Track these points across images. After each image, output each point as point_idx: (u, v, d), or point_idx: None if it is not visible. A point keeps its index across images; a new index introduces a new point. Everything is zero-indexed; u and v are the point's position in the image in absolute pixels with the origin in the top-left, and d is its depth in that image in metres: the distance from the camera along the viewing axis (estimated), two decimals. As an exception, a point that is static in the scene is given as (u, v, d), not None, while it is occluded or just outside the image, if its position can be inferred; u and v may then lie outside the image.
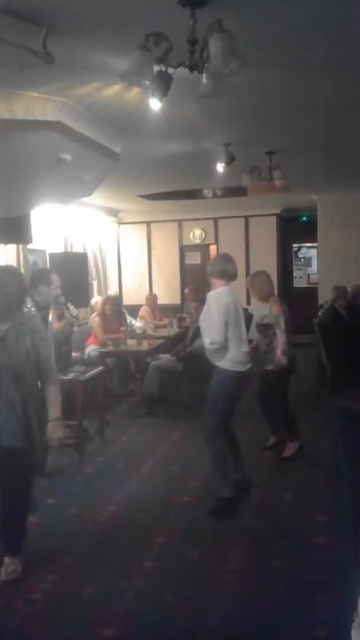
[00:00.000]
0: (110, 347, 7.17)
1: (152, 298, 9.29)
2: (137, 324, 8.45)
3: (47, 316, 4.62)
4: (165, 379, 6.99)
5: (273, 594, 3.10)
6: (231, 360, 4.06)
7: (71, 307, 4.93)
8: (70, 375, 5.57)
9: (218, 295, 4.11)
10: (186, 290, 9.50)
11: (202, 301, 4.70)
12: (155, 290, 11.04)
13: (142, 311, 9.00)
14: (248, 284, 5.46)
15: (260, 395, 5.32)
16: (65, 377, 5.53)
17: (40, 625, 2.90)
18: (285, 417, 5.21)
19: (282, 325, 4.98)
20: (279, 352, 4.97)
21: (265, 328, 5.10)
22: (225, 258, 4.35)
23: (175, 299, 11.00)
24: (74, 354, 6.46)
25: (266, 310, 5.11)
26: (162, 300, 9.92)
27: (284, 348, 4.98)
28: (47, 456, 4.83)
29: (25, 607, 3.04)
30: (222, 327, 3.99)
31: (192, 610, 2.98)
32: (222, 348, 4.02)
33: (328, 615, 2.88)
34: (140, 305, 9.32)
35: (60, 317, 4.79)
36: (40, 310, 4.48)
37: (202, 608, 2.98)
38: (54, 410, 3.35)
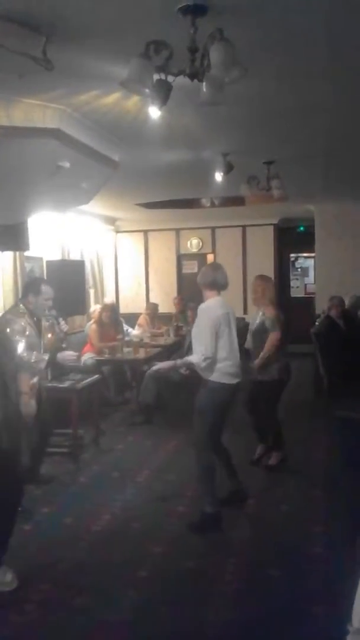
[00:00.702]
0: (106, 355, 7.14)
1: (152, 307, 9.27)
2: (135, 332, 8.43)
3: (40, 327, 4.60)
4: (161, 388, 6.96)
5: (269, 605, 3.07)
6: (219, 371, 3.97)
7: (62, 322, 4.90)
8: (66, 384, 5.55)
9: (209, 309, 4.03)
10: (174, 301, 9.55)
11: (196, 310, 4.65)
12: (151, 299, 11.04)
13: (141, 319, 9.00)
14: (254, 285, 5.29)
15: (253, 404, 5.24)
16: (61, 385, 5.53)
17: (34, 636, 2.86)
18: (277, 427, 5.18)
19: (277, 328, 4.98)
20: (261, 355, 4.94)
21: (260, 334, 5.07)
22: (214, 267, 4.28)
23: (172, 308, 11.00)
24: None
25: (257, 315, 5.14)
26: (159, 309, 9.91)
27: (268, 350, 4.96)
28: (40, 464, 4.81)
29: (18, 617, 3.00)
30: (212, 343, 3.93)
31: (187, 620, 2.95)
32: (212, 363, 3.96)
33: (324, 625, 2.85)
34: (137, 314, 9.31)
35: (50, 329, 4.76)
36: (33, 317, 4.49)
37: (198, 618, 2.95)
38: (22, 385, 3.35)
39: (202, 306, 4.10)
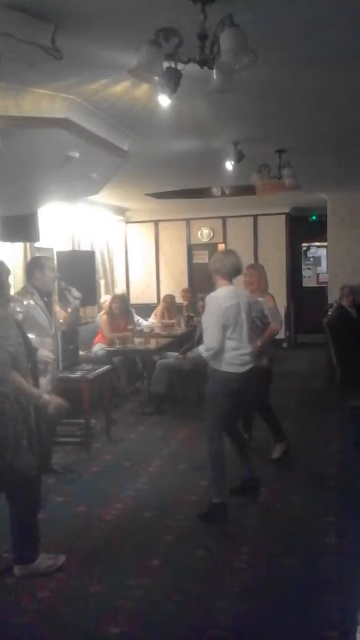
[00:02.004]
0: (117, 346, 7.16)
1: (169, 299, 9.22)
2: (146, 323, 8.44)
3: (51, 305, 4.60)
4: (172, 377, 6.98)
5: (281, 594, 3.08)
6: (226, 362, 3.96)
7: (73, 290, 4.86)
8: (78, 374, 5.58)
9: (217, 299, 3.99)
10: (181, 293, 9.52)
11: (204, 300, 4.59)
12: (162, 290, 11.03)
13: (158, 310, 9.06)
14: (247, 276, 5.12)
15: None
16: (72, 376, 5.55)
17: (48, 623, 2.89)
18: (273, 417, 5.08)
19: (281, 318, 4.97)
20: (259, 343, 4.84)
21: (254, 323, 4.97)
22: (226, 253, 4.23)
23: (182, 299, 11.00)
24: (80, 353, 6.46)
25: (259, 305, 4.97)
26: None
27: (268, 339, 4.92)
28: (52, 453, 4.84)
29: (32, 604, 3.03)
30: (218, 334, 3.91)
31: (199, 608, 2.96)
32: (219, 352, 3.95)
33: (336, 615, 2.85)
34: (148, 304, 9.32)
35: (63, 301, 4.75)
36: (43, 297, 4.49)
37: (210, 606, 2.96)
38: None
39: (211, 295, 4.05)
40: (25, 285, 4.68)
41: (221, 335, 3.92)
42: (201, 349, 4.07)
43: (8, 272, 3.36)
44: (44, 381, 4.08)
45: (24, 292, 4.51)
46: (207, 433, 4.11)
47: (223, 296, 4.00)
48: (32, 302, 4.40)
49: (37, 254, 7.05)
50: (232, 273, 4.07)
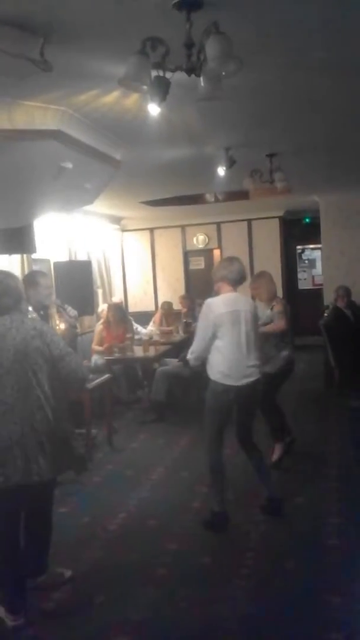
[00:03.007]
0: (116, 354, 7.16)
1: (166, 306, 9.23)
2: (145, 330, 8.44)
3: (47, 319, 4.62)
4: (172, 385, 6.97)
5: (286, 597, 3.07)
6: (220, 372, 3.84)
7: (68, 308, 4.90)
8: (78, 384, 5.57)
9: (211, 305, 3.91)
10: (179, 299, 9.52)
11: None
12: (160, 297, 11.04)
13: (156, 317, 9.06)
14: (252, 286, 5.23)
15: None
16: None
17: (54, 635, 2.88)
18: (280, 420, 5.07)
19: (282, 319, 4.97)
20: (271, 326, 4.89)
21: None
22: (229, 261, 4.14)
23: (180, 306, 11.02)
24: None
25: (265, 312, 5.00)
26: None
27: (276, 327, 4.94)
28: None
29: (39, 617, 3.02)
30: (203, 340, 3.86)
31: (205, 615, 2.95)
32: (202, 359, 3.90)
33: (341, 617, 2.85)
34: (146, 312, 9.33)
35: (60, 318, 4.77)
36: (39, 311, 4.52)
37: (216, 613, 2.96)
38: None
39: (207, 300, 3.98)
40: None
41: (206, 341, 3.84)
42: (189, 352, 4.02)
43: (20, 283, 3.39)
44: None
45: None
46: (205, 445, 4.01)
47: (219, 303, 3.91)
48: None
49: (34, 266, 7.09)
50: (238, 279, 3.99)
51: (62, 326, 4.74)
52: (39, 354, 2.98)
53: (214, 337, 3.84)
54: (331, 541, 3.65)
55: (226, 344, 3.84)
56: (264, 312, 5.01)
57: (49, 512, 3.27)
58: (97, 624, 2.93)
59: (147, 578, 3.33)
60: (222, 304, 3.90)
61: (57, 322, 4.73)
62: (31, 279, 4.66)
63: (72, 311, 4.90)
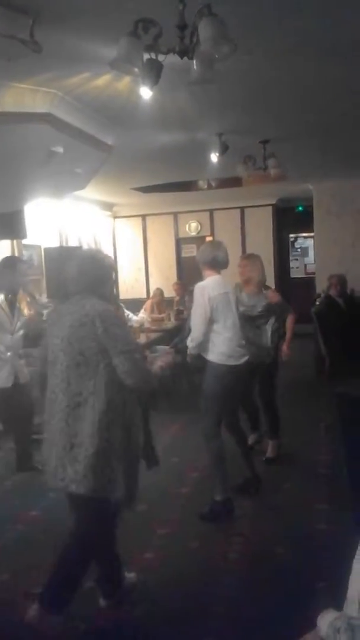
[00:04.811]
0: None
1: (158, 293, 9.22)
2: (136, 317, 8.42)
3: (15, 303, 4.66)
4: (163, 371, 6.95)
5: (275, 582, 3.09)
6: (222, 354, 3.87)
7: (39, 297, 4.96)
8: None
9: (204, 289, 3.90)
10: (174, 286, 9.48)
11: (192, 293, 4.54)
12: (152, 284, 11.02)
13: (147, 304, 9.04)
14: (244, 266, 4.97)
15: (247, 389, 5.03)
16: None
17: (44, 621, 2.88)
18: (275, 413, 5.03)
19: (291, 310, 5.00)
20: (287, 340, 4.97)
21: (257, 319, 4.86)
22: (215, 245, 4.14)
23: (172, 292, 10.99)
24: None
25: (257, 300, 4.87)
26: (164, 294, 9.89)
27: (291, 331, 4.99)
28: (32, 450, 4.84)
29: (26, 602, 3.01)
30: (202, 324, 3.84)
31: (194, 599, 2.97)
32: (203, 344, 3.88)
33: (330, 602, 2.87)
34: (137, 299, 9.30)
35: (31, 305, 4.81)
36: (8, 295, 4.58)
37: (204, 597, 2.98)
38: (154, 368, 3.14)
39: (198, 285, 3.96)
40: None
41: (206, 325, 3.84)
42: (188, 341, 4.02)
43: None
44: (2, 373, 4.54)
45: None
46: (205, 431, 3.95)
47: (210, 285, 3.91)
48: None
49: (24, 251, 7.05)
50: (221, 264, 4.00)
51: (27, 312, 4.75)
52: (86, 345, 2.55)
53: (211, 320, 3.85)
54: (319, 526, 3.67)
55: (223, 325, 3.88)
56: (252, 298, 4.87)
57: (81, 533, 2.79)
58: (87, 610, 2.93)
59: (135, 562, 3.33)
60: (215, 286, 3.91)
61: (24, 308, 4.73)
62: (9, 262, 4.73)
63: (42, 300, 4.98)
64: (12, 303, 4.63)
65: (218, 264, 3.98)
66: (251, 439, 5.00)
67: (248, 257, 5.19)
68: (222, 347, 3.88)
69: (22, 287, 4.75)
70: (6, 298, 4.58)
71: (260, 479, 4.27)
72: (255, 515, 3.93)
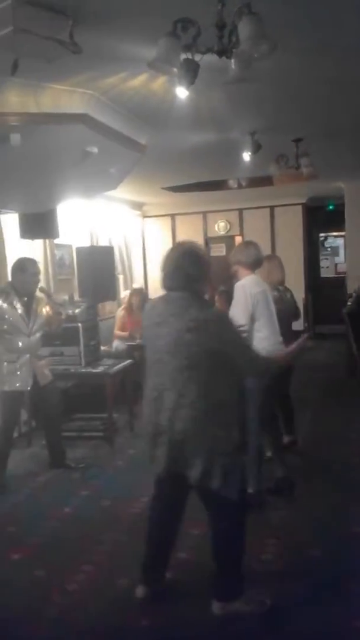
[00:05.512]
0: (138, 340, 7.16)
1: None
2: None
3: (31, 305, 4.68)
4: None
5: (309, 584, 3.07)
6: (266, 350, 3.79)
7: (55, 297, 5.02)
8: (100, 369, 5.62)
9: (245, 286, 3.97)
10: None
11: (224, 294, 4.52)
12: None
13: None
14: (269, 266, 4.85)
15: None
16: (94, 371, 5.59)
17: (77, 616, 2.91)
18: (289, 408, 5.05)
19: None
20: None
21: (289, 318, 4.91)
22: (247, 244, 4.22)
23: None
24: (102, 348, 6.49)
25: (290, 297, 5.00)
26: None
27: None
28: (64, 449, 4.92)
29: (61, 598, 3.06)
30: (245, 312, 3.86)
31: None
32: (249, 332, 3.87)
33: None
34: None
35: (49, 303, 4.85)
36: (23, 297, 4.60)
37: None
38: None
39: (238, 284, 4.02)
40: (5, 285, 4.80)
41: (248, 322, 3.84)
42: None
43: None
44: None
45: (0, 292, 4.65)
46: (254, 427, 3.95)
47: (250, 283, 3.98)
48: (4, 305, 4.54)
49: (56, 251, 7.11)
50: (255, 263, 4.06)
51: (45, 310, 4.79)
52: (194, 350, 2.64)
53: (252, 317, 3.89)
54: (355, 529, 3.63)
55: (264, 322, 3.94)
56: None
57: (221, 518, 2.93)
58: (120, 606, 2.96)
59: (170, 562, 3.34)
60: (254, 284, 3.98)
61: (42, 309, 4.76)
62: (20, 265, 4.69)
63: (57, 299, 5.02)
64: (28, 305, 4.64)
65: (252, 263, 4.05)
66: (285, 440, 4.97)
67: (271, 258, 5.18)
68: (264, 342, 3.89)
69: (36, 288, 4.76)
70: (21, 300, 4.59)
71: (294, 482, 4.22)
72: (288, 517, 3.90)
